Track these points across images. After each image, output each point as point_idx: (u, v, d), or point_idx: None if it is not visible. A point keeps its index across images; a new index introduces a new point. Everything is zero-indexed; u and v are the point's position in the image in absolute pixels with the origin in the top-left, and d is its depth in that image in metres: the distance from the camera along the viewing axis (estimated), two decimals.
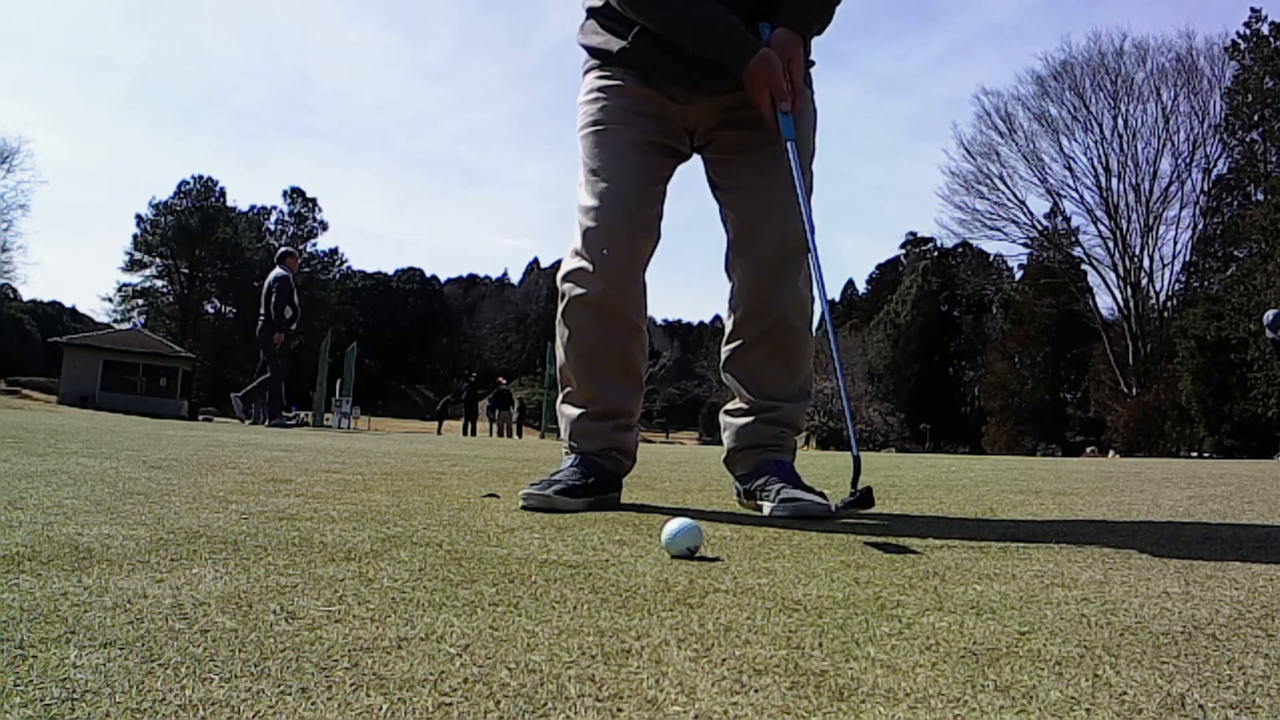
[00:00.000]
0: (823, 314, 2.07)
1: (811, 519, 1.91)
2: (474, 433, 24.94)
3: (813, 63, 2.20)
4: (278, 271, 10.10)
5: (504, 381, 29.03)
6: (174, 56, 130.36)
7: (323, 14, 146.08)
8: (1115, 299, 41.27)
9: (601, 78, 2.15)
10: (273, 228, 68.83)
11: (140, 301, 63.06)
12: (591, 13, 2.16)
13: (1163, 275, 40.84)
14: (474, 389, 27.09)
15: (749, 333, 2.15)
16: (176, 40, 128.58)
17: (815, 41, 2.20)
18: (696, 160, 2.23)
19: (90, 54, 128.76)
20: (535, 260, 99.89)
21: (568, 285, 2.11)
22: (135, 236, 62.78)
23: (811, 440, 41.21)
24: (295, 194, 69.51)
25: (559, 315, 2.15)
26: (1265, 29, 34.73)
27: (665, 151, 2.15)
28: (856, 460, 1.91)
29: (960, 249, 55.76)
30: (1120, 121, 40.12)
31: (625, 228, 2.04)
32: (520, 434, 26.90)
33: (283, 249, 10.59)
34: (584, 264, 2.06)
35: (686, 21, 1.97)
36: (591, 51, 2.17)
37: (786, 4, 1.99)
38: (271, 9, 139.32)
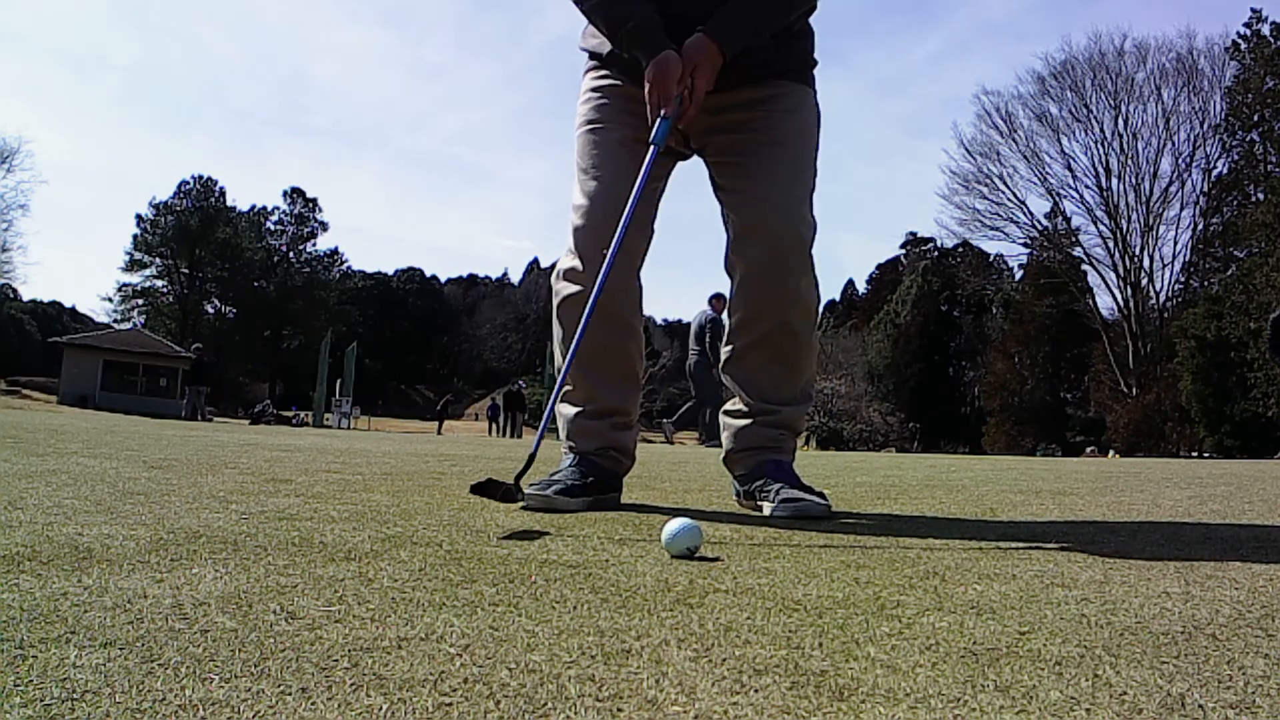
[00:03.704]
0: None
1: (811, 519, 1.91)
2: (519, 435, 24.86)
3: (815, 62, 2.20)
4: (709, 313, 10.44)
5: (522, 384, 28.88)
6: (170, 55, 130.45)
7: (318, 12, 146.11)
8: (1115, 299, 41.30)
9: (597, 78, 2.17)
10: (273, 228, 68.88)
11: (140, 301, 63.08)
12: None
13: (1163, 275, 40.87)
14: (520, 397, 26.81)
15: (749, 335, 2.14)
16: (172, 39, 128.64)
17: (816, 41, 2.19)
18: (696, 160, 2.24)
19: (87, 53, 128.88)
20: (535, 260, 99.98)
21: (561, 284, 2.11)
22: (135, 236, 62.81)
23: (811, 440, 41.21)
24: (295, 194, 69.51)
25: (554, 314, 2.15)
26: (1266, 29, 34.73)
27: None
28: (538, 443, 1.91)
29: (960, 249, 55.76)
30: (1120, 121, 40.12)
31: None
32: (521, 434, 26.85)
33: (713, 294, 10.83)
34: (576, 263, 2.07)
35: (602, 16, 2.01)
36: (589, 53, 2.19)
37: (717, 13, 1.93)
38: (265, 8, 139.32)
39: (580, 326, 1.95)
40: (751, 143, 2.09)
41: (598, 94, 2.15)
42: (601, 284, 1.92)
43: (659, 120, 1.93)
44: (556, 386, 2.13)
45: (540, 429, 2.05)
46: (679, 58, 1.90)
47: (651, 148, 1.95)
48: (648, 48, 1.92)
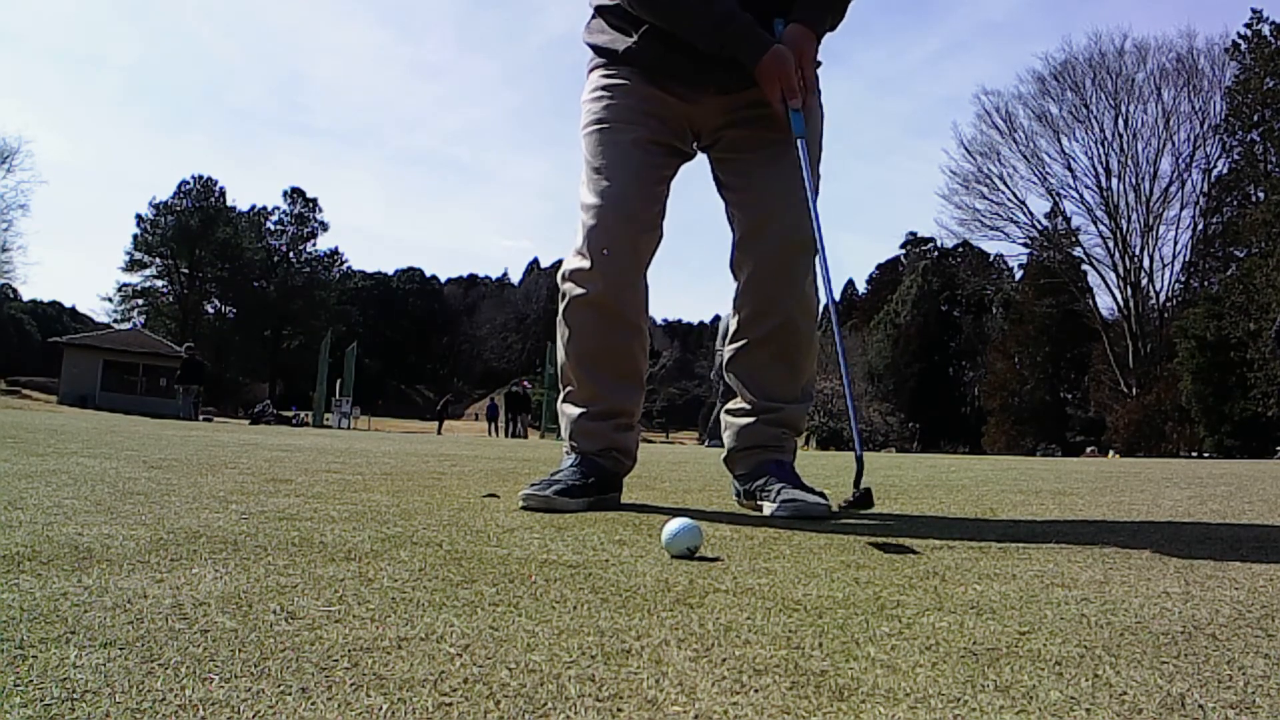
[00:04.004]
0: (825, 309, 2.07)
1: (812, 519, 1.91)
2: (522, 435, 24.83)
3: (819, 63, 2.20)
4: None
5: (528, 385, 28.79)
6: (168, 55, 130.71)
7: (317, 12, 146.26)
8: (1115, 299, 41.26)
9: (607, 76, 2.14)
10: (272, 228, 68.89)
11: (140, 301, 63.06)
12: (599, 11, 2.15)
13: (1163, 275, 40.84)
14: (525, 399, 26.76)
15: (753, 333, 2.15)
16: (170, 38, 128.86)
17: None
18: (700, 158, 2.23)
19: (85, 53, 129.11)
20: (535, 260, 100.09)
21: (569, 285, 2.10)
22: (135, 236, 62.80)
23: (812, 440, 41.20)
24: (295, 194, 69.51)
25: (560, 314, 2.14)
26: (1266, 29, 34.70)
27: (669, 151, 2.14)
28: (860, 460, 1.92)
29: (960, 249, 55.74)
30: (1120, 121, 40.09)
31: (627, 226, 2.03)
32: (526, 434, 26.84)
33: None
34: (585, 263, 2.06)
35: (701, 19, 1.97)
36: (597, 50, 2.16)
37: (801, 0, 2.00)
38: (264, 7, 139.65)
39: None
40: (759, 141, 2.09)
41: (608, 93, 2.13)
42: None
43: (792, 112, 1.97)
44: (562, 393, 2.13)
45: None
46: (789, 51, 1.95)
47: (799, 141, 1.98)
48: (754, 44, 1.95)
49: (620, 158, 2.07)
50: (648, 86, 2.08)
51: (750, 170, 2.10)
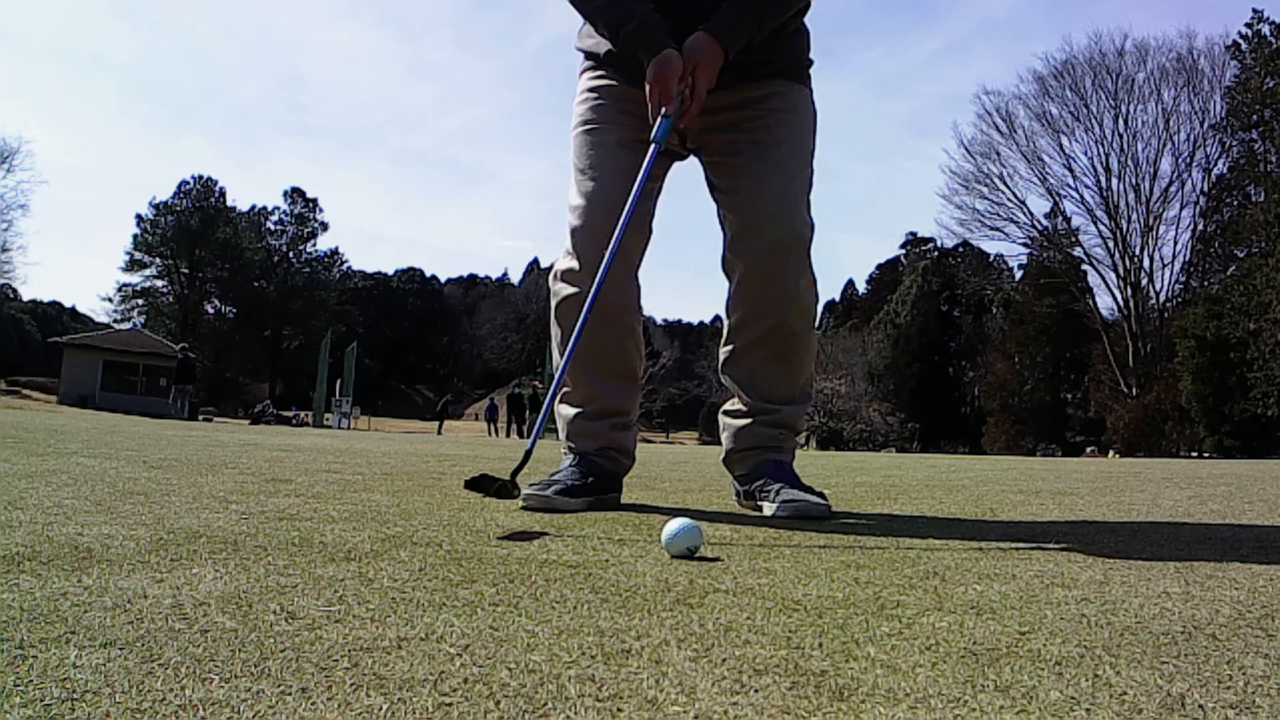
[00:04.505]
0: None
1: (812, 519, 1.91)
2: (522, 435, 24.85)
3: (811, 61, 2.20)
4: None
5: (537, 384, 28.79)
6: (167, 55, 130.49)
7: (316, 11, 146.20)
8: (1115, 299, 41.27)
9: (594, 78, 2.16)
10: (273, 228, 68.90)
11: (140, 301, 63.08)
12: None
13: (1163, 275, 40.85)
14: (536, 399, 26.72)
15: (747, 335, 2.14)
16: (168, 38, 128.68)
17: (812, 40, 2.19)
18: (693, 160, 2.23)
19: (83, 52, 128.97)
20: (535, 260, 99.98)
21: (560, 285, 2.11)
22: (135, 236, 62.82)
23: (811, 440, 41.20)
24: (295, 194, 69.52)
25: (552, 315, 2.15)
26: (1266, 29, 34.70)
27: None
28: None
29: (960, 249, 55.74)
30: (1120, 121, 40.10)
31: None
32: (523, 433, 26.83)
33: None
34: (574, 263, 2.06)
35: (603, 17, 2.00)
36: (585, 54, 2.19)
37: (717, 11, 1.93)
38: (263, 7, 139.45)
39: (577, 328, 1.94)
40: (749, 142, 2.08)
41: (594, 94, 2.15)
42: (599, 284, 1.92)
43: (660, 119, 1.93)
44: (553, 387, 2.13)
45: (536, 427, 2.04)
46: (680, 56, 1.89)
47: (652, 146, 1.94)
48: (649, 47, 1.91)
49: (606, 158, 2.08)
50: (632, 88, 2.08)
51: (739, 172, 2.10)
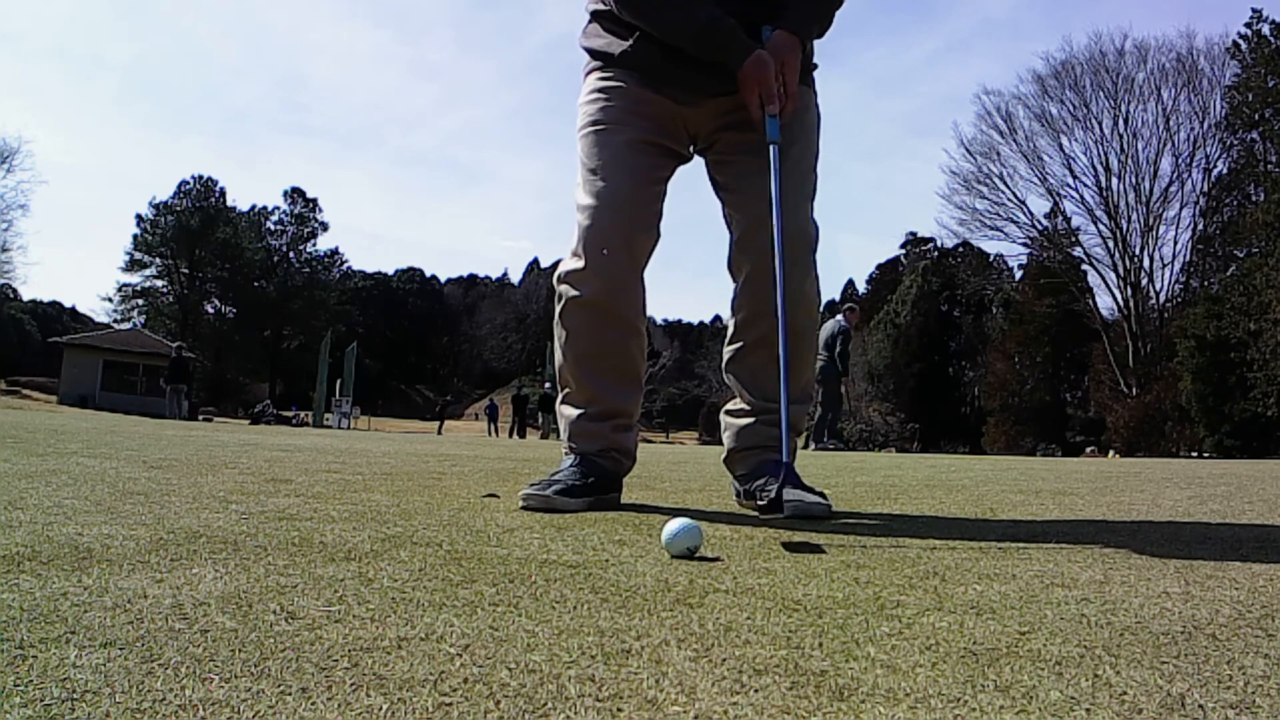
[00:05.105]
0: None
1: (812, 519, 1.91)
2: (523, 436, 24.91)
3: (815, 65, 2.20)
4: (842, 322, 10.89)
5: (549, 386, 28.86)
6: (166, 55, 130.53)
7: (315, 11, 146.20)
8: (1115, 299, 41.24)
9: (602, 79, 2.15)
10: (273, 228, 68.90)
11: (140, 301, 63.08)
12: (595, 16, 2.17)
13: (1163, 275, 40.82)
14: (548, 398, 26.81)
15: (751, 334, 2.15)
16: (168, 38, 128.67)
17: (815, 42, 2.20)
18: (697, 159, 2.24)
19: (83, 52, 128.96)
20: (535, 260, 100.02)
21: (565, 286, 2.11)
22: (135, 236, 62.82)
23: (811, 441, 41.14)
24: (295, 194, 69.52)
25: (557, 316, 2.15)
26: (1266, 29, 34.68)
27: (665, 152, 2.14)
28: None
29: (960, 249, 55.72)
30: (1120, 121, 40.06)
31: (623, 227, 2.04)
32: (524, 434, 26.85)
33: (847, 305, 11.31)
34: (580, 264, 2.06)
35: (685, 24, 1.98)
36: (593, 54, 2.18)
37: (787, 7, 1.99)
38: (262, 6, 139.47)
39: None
40: (755, 143, 2.09)
41: (604, 95, 2.14)
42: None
43: (768, 119, 1.97)
44: (559, 395, 2.13)
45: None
46: (770, 56, 1.95)
47: (772, 147, 1.98)
48: (737, 49, 1.95)
49: (615, 159, 2.08)
50: (643, 89, 2.08)
51: (746, 172, 2.10)
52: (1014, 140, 41.87)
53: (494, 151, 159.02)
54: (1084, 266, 43.03)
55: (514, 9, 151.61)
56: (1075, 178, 41.37)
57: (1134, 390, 37.64)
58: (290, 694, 0.66)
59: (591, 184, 2.08)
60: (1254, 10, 35.10)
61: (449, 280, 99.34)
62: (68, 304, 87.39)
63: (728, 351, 2.22)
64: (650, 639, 0.85)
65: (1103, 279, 41.77)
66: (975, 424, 50.93)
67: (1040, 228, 43.59)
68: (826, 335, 10.74)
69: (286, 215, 69.32)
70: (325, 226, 70.77)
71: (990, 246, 66.82)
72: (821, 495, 2.02)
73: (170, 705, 0.63)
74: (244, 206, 68.34)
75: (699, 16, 1.96)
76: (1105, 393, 41.52)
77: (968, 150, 43.20)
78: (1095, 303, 43.21)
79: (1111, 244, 40.74)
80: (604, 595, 1.05)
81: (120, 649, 0.76)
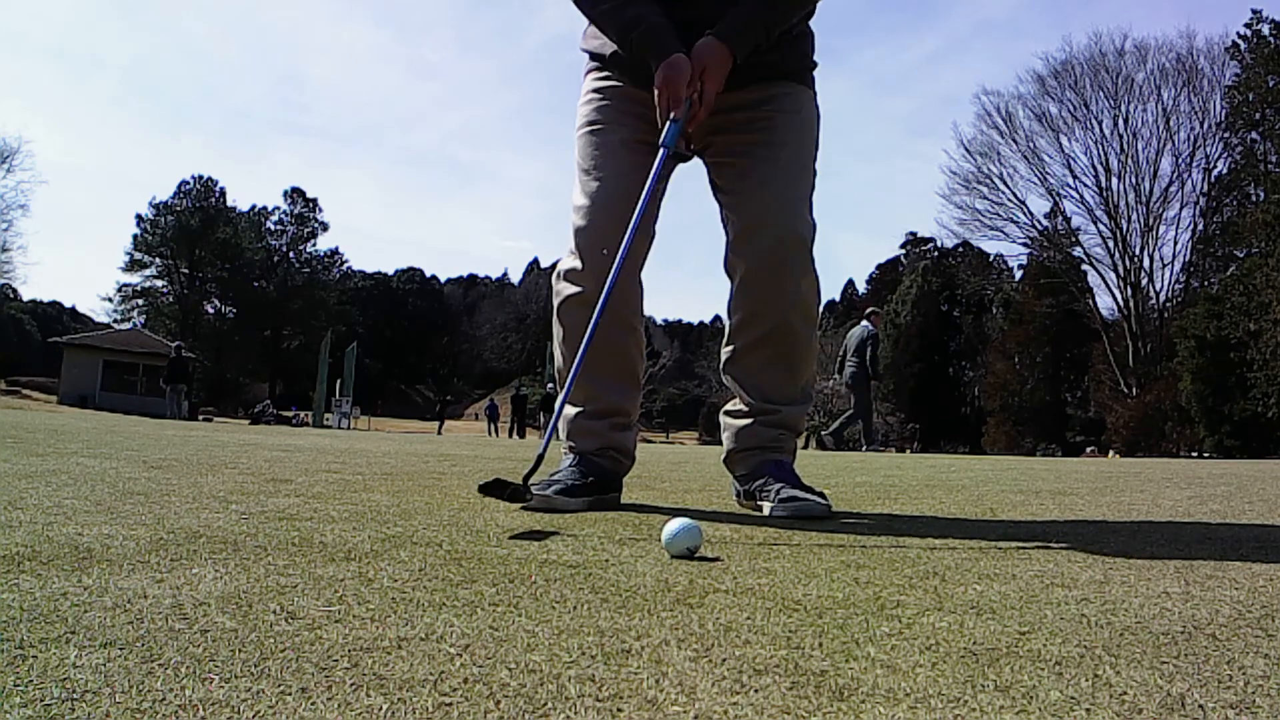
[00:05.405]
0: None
1: (811, 519, 1.91)
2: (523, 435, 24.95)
3: (815, 64, 2.20)
4: (870, 327, 11.01)
5: (552, 386, 28.89)
6: (167, 54, 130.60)
7: (315, 11, 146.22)
8: (1115, 299, 41.24)
9: (599, 79, 2.17)
10: (273, 228, 68.92)
11: (140, 301, 63.10)
12: None
13: (1163, 275, 40.82)
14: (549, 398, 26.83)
15: (749, 335, 2.14)
16: (167, 37, 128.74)
17: (815, 40, 2.20)
18: (695, 160, 2.23)
19: (83, 52, 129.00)
20: (535, 260, 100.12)
21: (562, 285, 2.11)
22: (135, 236, 62.85)
23: (811, 441, 41.16)
24: (295, 194, 69.54)
25: (554, 315, 2.15)
26: (1266, 29, 34.68)
27: None
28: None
29: (960, 249, 55.72)
30: (1120, 121, 40.08)
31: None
32: (524, 434, 26.85)
33: (871, 310, 11.46)
34: (577, 263, 2.07)
35: (612, 21, 2.00)
36: (591, 55, 2.19)
37: (726, 16, 1.93)
38: (262, 6, 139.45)
39: (589, 330, 1.94)
40: (752, 144, 2.09)
41: (599, 95, 2.15)
42: (611, 286, 1.92)
43: (669, 123, 1.93)
44: (565, 392, 2.12)
45: (549, 430, 2.04)
46: (688, 60, 1.90)
47: (661, 150, 1.95)
48: (657, 51, 1.91)
49: (610, 158, 2.08)
50: (638, 89, 2.08)
51: (742, 173, 2.10)
52: (1014, 140, 41.91)
53: (494, 151, 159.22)
54: (1084, 266, 43.07)
55: (514, 9, 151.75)
56: (1075, 178, 41.41)
57: (1134, 390, 37.64)
58: (290, 694, 0.66)
59: (586, 183, 2.08)
60: (1254, 10, 35.11)
61: (449, 280, 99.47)
62: (68, 304, 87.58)
63: (725, 352, 2.22)
64: (650, 639, 0.85)
65: (1103, 279, 41.81)
66: (975, 424, 50.94)
67: (1040, 228, 43.61)
68: (855, 342, 10.86)
69: (286, 215, 69.39)
70: (325, 226, 70.85)
71: (990, 246, 66.93)
72: (821, 495, 2.02)
73: (170, 705, 0.63)
74: (244, 206, 68.48)
75: (625, 14, 1.96)
76: (1105, 393, 41.53)
77: (967, 150, 43.26)
78: (1095, 303, 43.24)
79: (1111, 244, 40.77)
80: (604, 595, 1.05)
81: (120, 649, 0.76)
